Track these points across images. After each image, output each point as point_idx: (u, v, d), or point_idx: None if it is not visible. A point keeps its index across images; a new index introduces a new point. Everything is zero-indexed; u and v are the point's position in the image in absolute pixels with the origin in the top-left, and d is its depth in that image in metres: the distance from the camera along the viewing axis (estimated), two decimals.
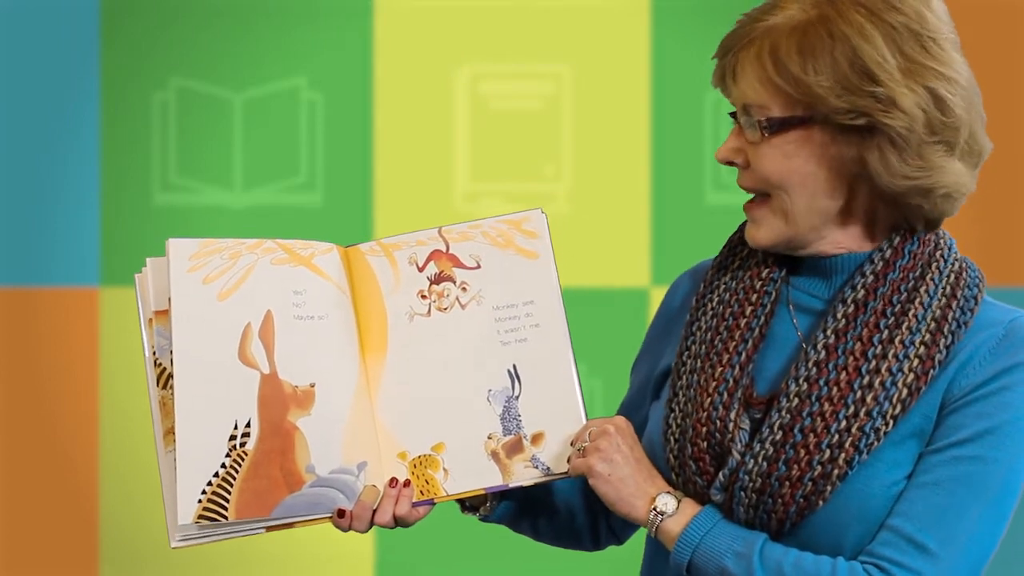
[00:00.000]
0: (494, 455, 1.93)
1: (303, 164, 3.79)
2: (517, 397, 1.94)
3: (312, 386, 1.91)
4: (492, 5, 3.78)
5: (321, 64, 3.78)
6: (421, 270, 1.98)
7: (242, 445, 1.87)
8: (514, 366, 1.95)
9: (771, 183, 1.81)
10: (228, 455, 1.87)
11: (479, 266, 1.97)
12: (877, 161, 1.77)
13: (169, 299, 1.89)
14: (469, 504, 1.99)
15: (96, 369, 3.78)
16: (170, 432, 1.88)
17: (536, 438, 1.93)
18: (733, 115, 1.85)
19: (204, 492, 1.85)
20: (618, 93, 3.78)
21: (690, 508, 1.82)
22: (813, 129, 1.78)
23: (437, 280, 1.97)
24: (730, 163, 1.84)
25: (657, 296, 3.70)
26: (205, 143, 3.79)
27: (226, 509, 1.86)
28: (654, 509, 1.82)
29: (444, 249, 1.98)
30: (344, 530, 1.91)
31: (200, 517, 1.84)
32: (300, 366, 1.91)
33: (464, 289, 1.96)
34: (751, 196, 1.85)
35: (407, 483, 1.92)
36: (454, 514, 2.03)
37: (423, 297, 1.97)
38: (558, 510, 2.04)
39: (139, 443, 3.77)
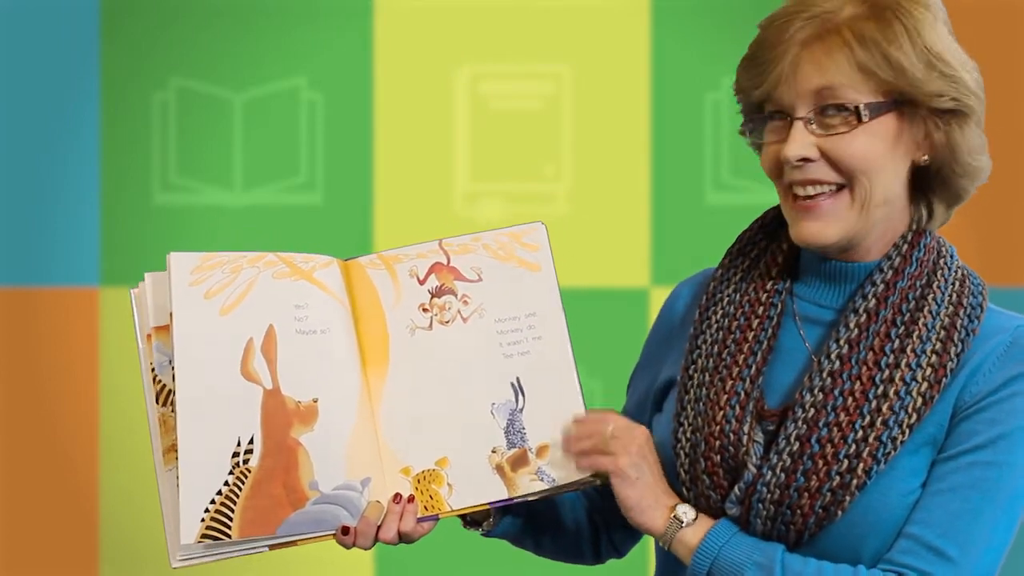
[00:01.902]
0: (499, 469, 1.91)
1: (303, 164, 3.79)
2: (521, 410, 1.92)
3: (315, 401, 1.89)
4: (492, 5, 3.78)
5: (321, 64, 3.78)
6: (422, 283, 1.96)
7: (245, 462, 1.85)
8: (517, 379, 1.93)
9: (856, 170, 1.79)
10: (231, 473, 1.84)
11: (480, 279, 1.95)
12: (964, 141, 1.79)
13: (170, 314, 1.87)
14: (471, 519, 1.98)
15: (96, 369, 3.78)
16: (170, 450, 1.86)
17: (541, 450, 1.91)
18: (754, 120, 1.84)
19: (207, 511, 1.83)
20: (618, 93, 3.78)
21: (706, 521, 1.82)
22: (904, 113, 1.79)
23: (438, 293, 1.95)
24: (802, 159, 1.80)
25: (657, 296, 3.70)
26: (205, 143, 3.79)
27: (229, 528, 1.83)
28: (674, 517, 1.82)
29: (445, 262, 1.96)
30: (348, 547, 1.88)
31: (203, 536, 1.82)
32: (303, 381, 1.89)
33: (465, 302, 1.95)
34: (812, 192, 1.81)
35: (411, 499, 1.90)
36: (455, 521, 2.01)
37: (424, 310, 1.95)
38: (562, 525, 2.03)
39: (139, 443, 3.76)
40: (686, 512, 1.82)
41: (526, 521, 2.01)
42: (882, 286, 1.83)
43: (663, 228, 3.78)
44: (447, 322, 1.95)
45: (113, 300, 3.78)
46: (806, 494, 1.77)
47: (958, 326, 1.81)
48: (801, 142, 1.80)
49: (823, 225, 1.82)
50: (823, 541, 1.79)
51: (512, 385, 1.93)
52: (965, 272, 1.86)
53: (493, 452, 1.92)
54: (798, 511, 1.78)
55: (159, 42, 3.77)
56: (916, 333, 1.80)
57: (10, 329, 3.77)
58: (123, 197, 3.78)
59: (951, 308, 1.82)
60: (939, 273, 1.84)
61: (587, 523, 2.04)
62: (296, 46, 3.78)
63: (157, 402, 1.88)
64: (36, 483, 3.77)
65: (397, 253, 1.97)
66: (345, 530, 1.87)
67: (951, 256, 1.86)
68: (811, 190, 1.81)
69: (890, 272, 1.83)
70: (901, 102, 1.78)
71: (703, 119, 3.76)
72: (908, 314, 1.81)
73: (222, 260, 1.90)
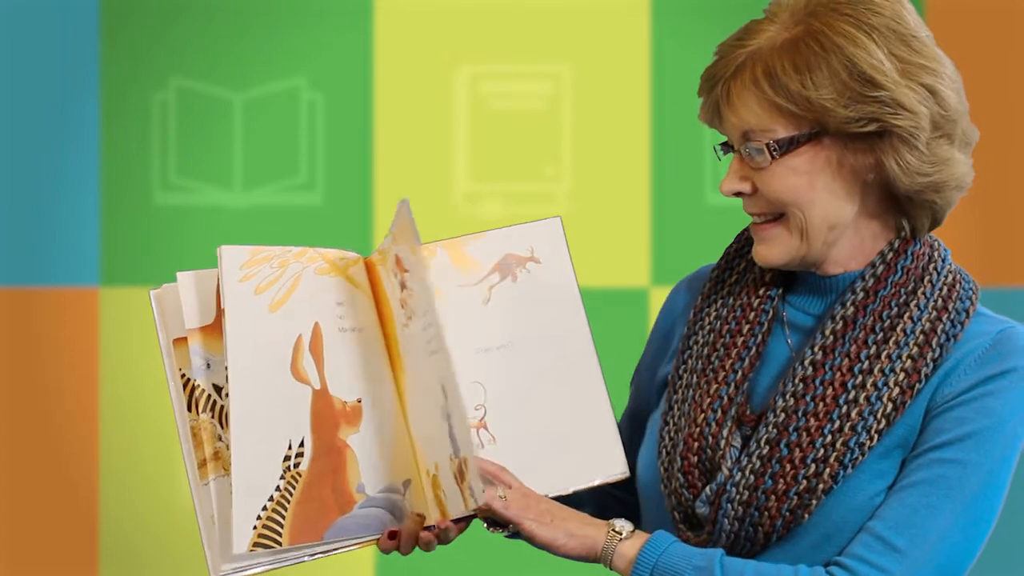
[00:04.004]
0: (455, 478, 1.81)
1: (303, 164, 3.79)
2: (450, 415, 1.80)
3: (359, 401, 1.84)
4: (492, 5, 3.78)
5: (321, 64, 3.78)
6: (395, 277, 1.87)
7: (296, 466, 1.79)
8: (442, 380, 1.81)
9: (785, 203, 1.79)
10: (282, 477, 1.78)
11: (408, 270, 1.84)
12: (894, 163, 1.76)
13: (223, 310, 1.79)
14: (493, 520, 1.93)
15: (96, 369, 3.78)
16: (204, 463, 1.80)
17: (464, 462, 1.79)
18: (724, 146, 1.83)
19: (259, 517, 1.76)
20: (618, 93, 3.78)
21: (642, 534, 1.81)
22: (823, 143, 1.77)
23: (402, 287, 1.86)
24: (737, 193, 1.81)
25: (657, 296, 3.70)
26: (205, 143, 3.79)
27: (280, 535, 1.77)
28: (612, 531, 1.80)
29: (397, 253, 1.85)
30: (388, 552, 1.82)
31: (255, 545, 1.75)
32: (347, 381, 1.83)
33: (411, 296, 1.85)
34: (759, 221, 1.82)
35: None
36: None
37: (402, 306, 1.86)
38: None
39: (139, 443, 3.77)
40: (623, 525, 1.81)
41: None
42: (862, 294, 1.82)
43: (663, 228, 3.78)
44: (409, 319, 1.85)
45: (113, 300, 3.78)
46: (773, 496, 1.78)
47: (939, 331, 1.79)
48: (733, 177, 1.81)
49: (767, 248, 1.82)
50: (791, 543, 1.79)
51: (441, 387, 1.81)
52: (957, 276, 1.85)
53: (451, 460, 1.81)
54: (765, 513, 1.78)
55: (159, 42, 3.77)
56: (893, 339, 1.79)
57: (10, 329, 3.77)
58: (123, 197, 3.78)
59: (934, 313, 1.80)
60: (927, 278, 1.83)
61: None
62: (296, 46, 3.78)
63: (189, 410, 1.81)
64: (36, 483, 3.77)
65: (384, 247, 1.88)
66: (392, 535, 1.82)
67: (943, 260, 1.85)
68: (757, 218, 1.82)
69: (872, 281, 1.82)
70: (821, 132, 1.77)
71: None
72: (888, 320, 1.80)
73: (269, 254, 1.84)
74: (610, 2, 3.78)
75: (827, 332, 1.81)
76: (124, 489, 3.78)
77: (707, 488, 1.81)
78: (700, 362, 1.88)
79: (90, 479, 3.78)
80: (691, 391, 1.86)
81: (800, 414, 1.78)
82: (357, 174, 3.79)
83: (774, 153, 1.77)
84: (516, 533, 1.96)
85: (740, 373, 1.85)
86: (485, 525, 1.95)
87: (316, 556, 1.80)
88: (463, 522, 1.85)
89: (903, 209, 1.82)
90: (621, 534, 1.80)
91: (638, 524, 2.03)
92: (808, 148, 1.77)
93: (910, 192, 1.79)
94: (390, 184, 3.79)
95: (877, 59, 1.74)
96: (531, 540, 1.83)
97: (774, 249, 1.82)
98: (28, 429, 3.77)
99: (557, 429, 1.89)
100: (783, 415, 1.79)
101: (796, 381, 1.80)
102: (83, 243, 3.77)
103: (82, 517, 3.78)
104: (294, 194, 3.79)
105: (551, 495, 1.88)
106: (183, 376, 1.82)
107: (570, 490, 1.91)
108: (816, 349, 1.80)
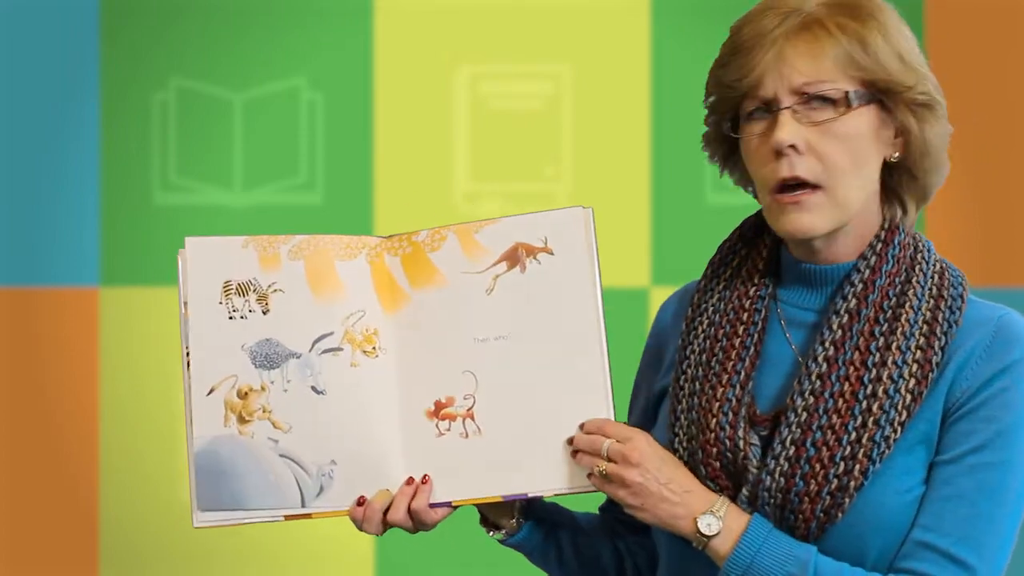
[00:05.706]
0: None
1: (303, 164, 3.79)
2: None
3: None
4: (492, 5, 3.78)
5: (321, 64, 3.78)
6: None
7: None
8: None
9: (838, 165, 1.80)
10: None
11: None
12: (935, 136, 1.83)
13: (185, 304, 1.89)
14: (492, 522, 1.96)
15: (96, 369, 3.78)
16: None
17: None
18: (749, 115, 1.83)
19: None
20: (618, 93, 3.78)
21: (736, 524, 1.80)
22: (882, 107, 1.82)
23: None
24: (792, 148, 1.79)
25: (657, 296, 3.70)
26: (205, 143, 3.79)
27: None
28: (699, 533, 1.80)
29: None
30: (357, 524, 1.88)
31: None
32: None
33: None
34: (798, 193, 1.81)
35: (425, 479, 1.88)
36: (461, 520, 2.00)
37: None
38: (585, 544, 2.01)
39: (139, 443, 3.77)
40: (709, 525, 1.79)
41: (548, 532, 1.98)
42: (861, 285, 1.83)
43: (663, 228, 3.78)
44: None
45: (113, 300, 3.78)
46: (806, 498, 1.78)
47: (940, 319, 1.82)
48: (790, 129, 1.79)
49: (808, 216, 1.81)
50: (825, 542, 1.79)
51: None
52: (943, 265, 1.87)
53: None
54: (800, 515, 1.78)
55: (159, 42, 3.77)
56: (899, 329, 1.81)
57: (10, 329, 3.77)
58: (123, 197, 3.78)
59: (932, 302, 1.83)
60: (917, 268, 1.85)
61: (611, 547, 2.03)
62: (296, 46, 3.78)
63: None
64: (36, 483, 3.77)
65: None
66: (361, 501, 1.87)
67: (928, 251, 1.88)
68: (792, 186, 1.81)
69: (867, 271, 1.84)
70: (880, 95, 1.81)
71: (703, 119, 3.76)
72: (890, 311, 1.82)
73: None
74: (610, 2, 3.78)
75: (835, 327, 1.82)
76: (124, 489, 3.78)
77: (743, 490, 1.80)
78: (700, 369, 1.87)
79: (90, 479, 3.78)
80: (696, 398, 1.86)
81: (822, 412, 1.79)
82: (357, 174, 3.79)
83: (852, 102, 1.79)
84: (510, 535, 1.96)
85: (743, 374, 1.85)
86: (487, 531, 1.95)
87: (290, 517, 1.86)
88: (442, 507, 1.88)
89: (899, 195, 1.87)
90: (707, 536, 1.79)
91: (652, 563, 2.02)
92: (874, 108, 1.81)
93: (929, 169, 1.84)
94: (390, 184, 3.79)
95: (913, 41, 1.84)
96: None
97: (816, 218, 1.81)
98: (28, 429, 3.77)
99: (549, 427, 1.86)
100: (804, 414, 1.79)
101: (812, 379, 1.80)
102: (83, 243, 3.77)
103: (82, 517, 3.78)
104: (294, 194, 3.79)
105: (529, 494, 1.87)
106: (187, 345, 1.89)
107: (549, 493, 1.88)
108: (827, 345, 1.81)
